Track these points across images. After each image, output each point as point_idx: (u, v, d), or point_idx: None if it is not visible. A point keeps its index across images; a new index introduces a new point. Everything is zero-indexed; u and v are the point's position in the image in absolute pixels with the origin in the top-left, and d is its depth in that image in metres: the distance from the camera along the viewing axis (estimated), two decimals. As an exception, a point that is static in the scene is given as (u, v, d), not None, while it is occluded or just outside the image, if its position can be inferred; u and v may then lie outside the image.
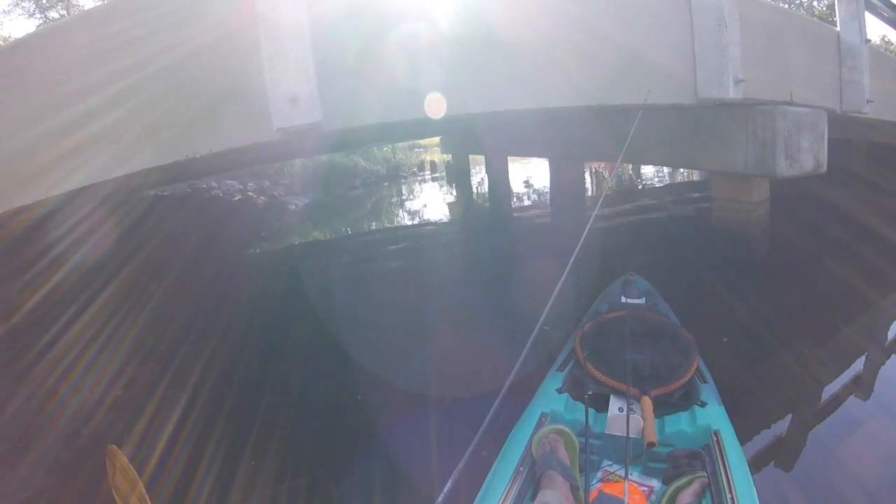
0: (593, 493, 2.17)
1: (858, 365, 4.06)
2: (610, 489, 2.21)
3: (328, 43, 3.28)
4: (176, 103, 3.19)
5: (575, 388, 2.96)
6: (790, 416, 3.44)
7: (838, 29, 7.35)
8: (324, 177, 15.98)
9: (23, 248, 4.65)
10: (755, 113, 5.91)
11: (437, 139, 17.96)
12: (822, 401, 3.64)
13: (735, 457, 2.35)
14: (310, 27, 3.15)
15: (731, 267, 6.26)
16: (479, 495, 2.25)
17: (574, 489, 2.22)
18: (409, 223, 11.77)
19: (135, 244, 7.32)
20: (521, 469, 2.35)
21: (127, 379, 4.50)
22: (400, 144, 21.03)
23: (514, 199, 14.13)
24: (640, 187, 16.38)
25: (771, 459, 3.04)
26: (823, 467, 2.99)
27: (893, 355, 4.28)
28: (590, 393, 2.70)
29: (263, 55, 3.08)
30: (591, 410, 2.61)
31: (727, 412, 2.72)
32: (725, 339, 4.42)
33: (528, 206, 13.62)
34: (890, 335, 4.64)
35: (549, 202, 12.48)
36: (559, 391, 2.92)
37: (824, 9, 25.94)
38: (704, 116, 6.35)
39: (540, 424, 2.64)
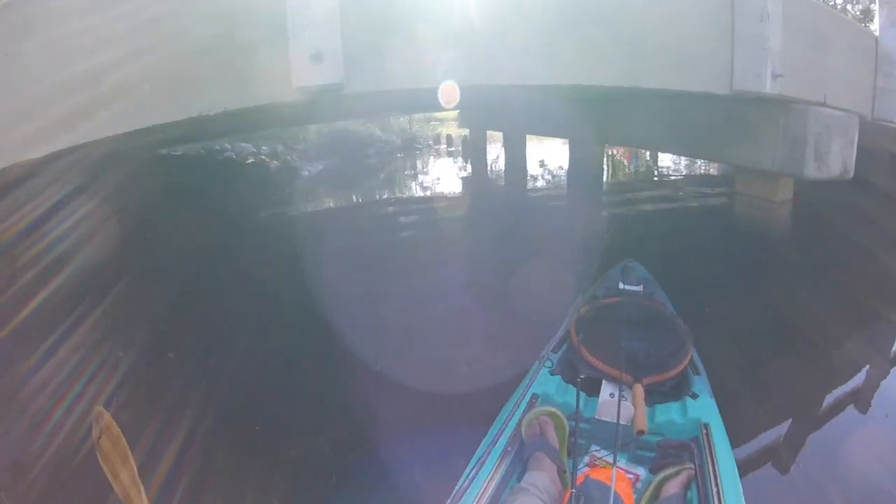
0: (580, 478, 2.12)
1: (861, 375, 3.97)
2: (597, 474, 2.16)
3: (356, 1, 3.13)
4: (191, 58, 3.07)
5: (567, 370, 2.93)
6: (784, 418, 3.38)
7: (877, 34, 7.18)
8: (338, 144, 15.80)
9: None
10: (788, 111, 5.77)
11: (455, 113, 17.72)
12: (818, 407, 3.58)
13: (723, 451, 2.33)
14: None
15: (746, 264, 6.15)
16: (465, 473, 2.22)
17: (561, 472, 2.21)
18: (422, 196, 11.60)
19: (142, 203, 7.26)
20: (510, 449, 2.34)
21: (125, 340, 4.40)
22: (417, 116, 20.84)
23: (530, 179, 13.97)
24: (656, 177, 16.20)
25: (759, 457, 3.01)
26: (811, 471, 2.95)
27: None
28: (582, 377, 2.69)
29: (288, 7, 2.94)
30: (583, 394, 2.59)
31: (718, 406, 2.67)
32: (707, 309, 4.41)
33: (544, 187, 13.46)
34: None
35: (565, 184, 12.38)
36: (551, 373, 2.90)
37: (858, 13, 25.59)
38: (735, 109, 6.20)
39: (531, 405, 2.61)
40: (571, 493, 1.98)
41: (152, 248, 6.51)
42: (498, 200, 11.16)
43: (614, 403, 2.50)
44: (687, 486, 2.20)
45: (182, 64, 3.07)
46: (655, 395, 2.72)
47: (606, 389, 2.70)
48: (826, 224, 8.08)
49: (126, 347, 4.19)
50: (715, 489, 2.10)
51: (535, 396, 2.68)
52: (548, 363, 2.99)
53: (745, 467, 2.69)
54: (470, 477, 2.17)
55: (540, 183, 14.02)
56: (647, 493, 2.19)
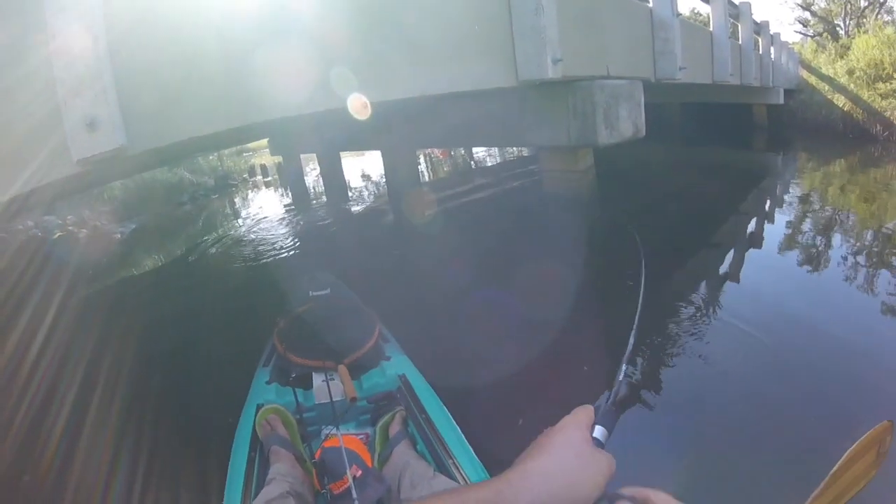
0: (317, 453, 2.49)
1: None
2: (330, 444, 2.51)
3: (127, 55, 2.96)
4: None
5: (281, 376, 3.33)
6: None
7: (651, 5, 7.88)
8: (147, 196, 14.81)
9: None
10: (574, 89, 6.23)
11: (265, 141, 17.33)
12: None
13: (422, 388, 2.99)
14: (106, 40, 2.81)
15: (554, 233, 6.81)
16: (226, 486, 2.46)
17: (299, 459, 2.57)
18: (244, 234, 11.11)
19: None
20: (253, 454, 2.65)
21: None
22: (226, 151, 20.17)
23: (353, 193, 14.03)
24: (473, 167, 16.83)
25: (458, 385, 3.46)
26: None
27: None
28: (293, 376, 3.13)
29: (56, 77, 2.71)
30: (299, 390, 3.01)
31: (410, 360, 3.36)
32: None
33: (367, 198, 13.58)
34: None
35: (387, 192, 12.55)
36: (268, 383, 3.27)
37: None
38: (527, 96, 6.59)
39: (258, 413, 2.94)
40: (316, 469, 2.36)
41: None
42: (320, 222, 11.08)
43: (325, 387, 2.96)
44: (405, 423, 2.74)
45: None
46: (359, 370, 3.27)
47: (317, 378, 3.15)
48: (625, 178, 9.36)
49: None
50: (424, 416, 2.71)
51: (259, 406, 2.98)
52: (262, 376, 3.35)
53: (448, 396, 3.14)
54: (230, 487, 2.43)
55: (364, 194, 14.13)
56: (377, 441, 2.69)
